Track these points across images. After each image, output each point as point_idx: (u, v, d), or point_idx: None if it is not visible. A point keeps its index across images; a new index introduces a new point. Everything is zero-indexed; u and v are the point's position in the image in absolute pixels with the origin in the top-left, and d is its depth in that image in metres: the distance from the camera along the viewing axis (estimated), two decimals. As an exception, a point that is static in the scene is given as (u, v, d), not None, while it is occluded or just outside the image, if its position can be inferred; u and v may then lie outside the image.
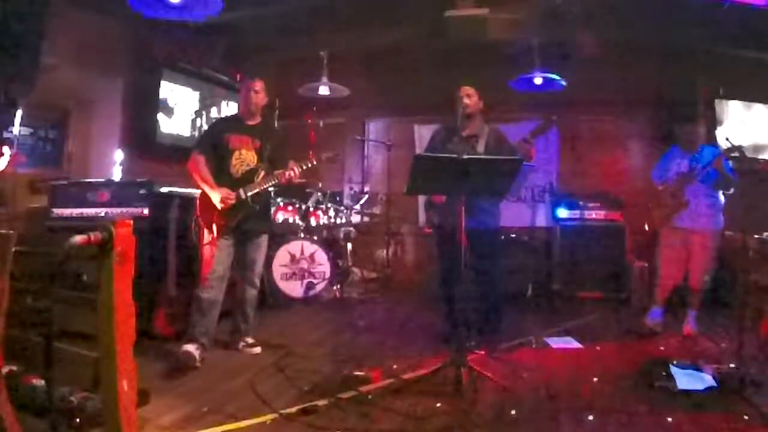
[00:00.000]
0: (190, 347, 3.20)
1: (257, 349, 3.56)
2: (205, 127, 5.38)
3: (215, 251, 3.39)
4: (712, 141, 4.65)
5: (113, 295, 1.79)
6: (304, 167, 3.52)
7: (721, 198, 3.97)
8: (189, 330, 3.35)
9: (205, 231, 3.43)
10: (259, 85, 3.56)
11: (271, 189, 3.63)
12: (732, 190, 3.89)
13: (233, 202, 3.37)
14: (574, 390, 2.88)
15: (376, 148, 6.92)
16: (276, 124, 3.70)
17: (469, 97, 3.61)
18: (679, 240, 4.04)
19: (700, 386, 2.72)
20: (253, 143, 3.51)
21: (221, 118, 3.74)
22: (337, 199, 6.15)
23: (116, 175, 4.79)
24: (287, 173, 3.43)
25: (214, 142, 3.51)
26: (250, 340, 3.61)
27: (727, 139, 3.79)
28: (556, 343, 3.82)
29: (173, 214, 3.73)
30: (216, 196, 3.36)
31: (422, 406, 2.62)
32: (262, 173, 3.48)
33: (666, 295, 4.15)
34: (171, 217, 3.71)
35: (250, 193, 3.41)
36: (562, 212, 5.54)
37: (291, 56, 5.76)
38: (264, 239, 3.63)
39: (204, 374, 3.09)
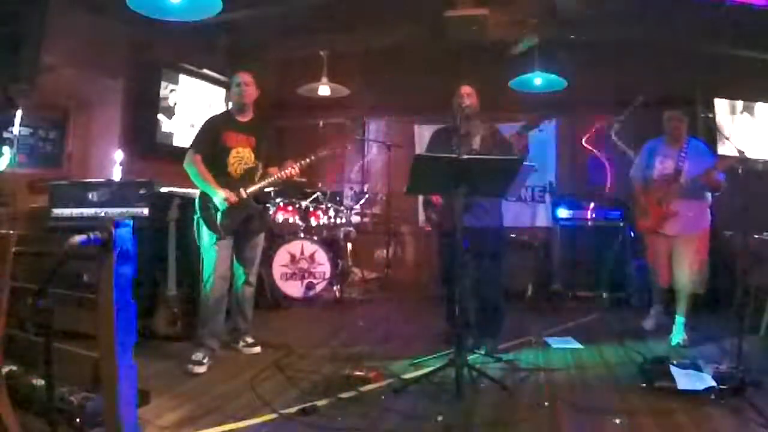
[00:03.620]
0: (199, 356, 3.16)
1: (257, 349, 3.55)
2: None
3: (217, 251, 3.33)
4: (711, 144, 4.52)
5: (113, 295, 1.79)
6: (303, 163, 3.45)
7: (709, 197, 3.84)
8: (197, 333, 3.34)
9: (207, 232, 3.37)
10: (248, 77, 3.46)
11: (271, 188, 3.59)
12: (719, 193, 3.75)
13: (235, 201, 3.30)
14: (574, 390, 2.88)
15: (376, 148, 6.93)
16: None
17: (469, 97, 3.61)
18: (666, 243, 3.92)
19: (700, 386, 2.72)
20: (249, 141, 3.44)
21: (214, 115, 3.60)
22: (337, 199, 6.16)
23: (116, 175, 4.78)
24: (287, 170, 3.39)
25: (211, 141, 3.41)
26: (249, 339, 3.59)
27: (740, 152, 3.66)
28: (556, 343, 3.82)
29: (173, 214, 3.72)
30: (219, 197, 3.29)
31: (422, 406, 2.62)
32: (260, 172, 3.46)
33: (662, 294, 4.09)
34: (171, 217, 3.70)
35: (250, 191, 3.36)
36: (562, 212, 5.55)
37: (291, 56, 5.75)
38: (261, 237, 3.61)
39: (204, 374, 3.09)
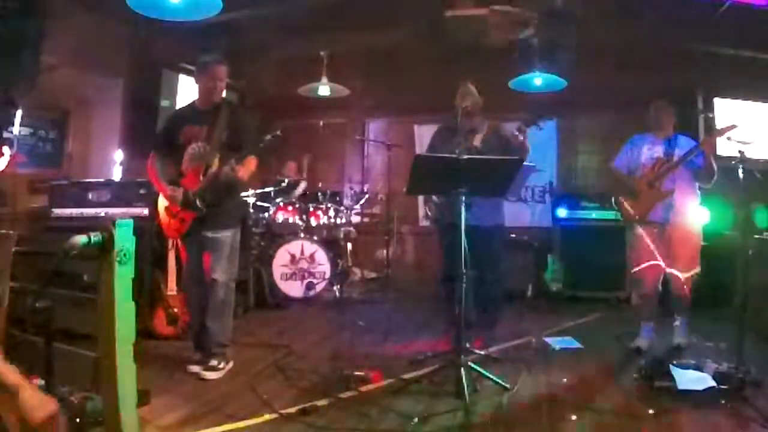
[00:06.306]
0: (196, 358, 3.13)
1: (212, 375, 3.00)
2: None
3: (184, 253, 3.20)
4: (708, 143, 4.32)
5: (113, 295, 1.79)
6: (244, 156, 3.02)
7: (698, 194, 3.65)
8: (190, 335, 3.33)
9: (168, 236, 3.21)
10: (224, 73, 3.14)
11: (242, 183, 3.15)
12: (711, 184, 3.57)
13: (179, 200, 3.00)
14: (574, 390, 2.88)
15: (376, 148, 6.93)
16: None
17: (471, 98, 3.62)
18: (658, 238, 3.57)
19: (700, 386, 2.72)
20: (203, 132, 3.02)
21: (178, 109, 3.31)
22: (337, 199, 6.15)
23: (116, 175, 4.78)
24: (236, 171, 2.94)
25: (170, 138, 3.13)
26: (213, 362, 3.05)
27: (740, 152, 3.58)
28: (556, 343, 3.82)
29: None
30: (161, 197, 3.09)
31: (422, 406, 2.62)
32: (214, 167, 2.98)
33: (652, 307, 3.70)
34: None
35: (195, 192, 2.98)
36: (562, 212, 5.54)
37: (291, 56, 5.75)
38: (225, 234, 3.07)
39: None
